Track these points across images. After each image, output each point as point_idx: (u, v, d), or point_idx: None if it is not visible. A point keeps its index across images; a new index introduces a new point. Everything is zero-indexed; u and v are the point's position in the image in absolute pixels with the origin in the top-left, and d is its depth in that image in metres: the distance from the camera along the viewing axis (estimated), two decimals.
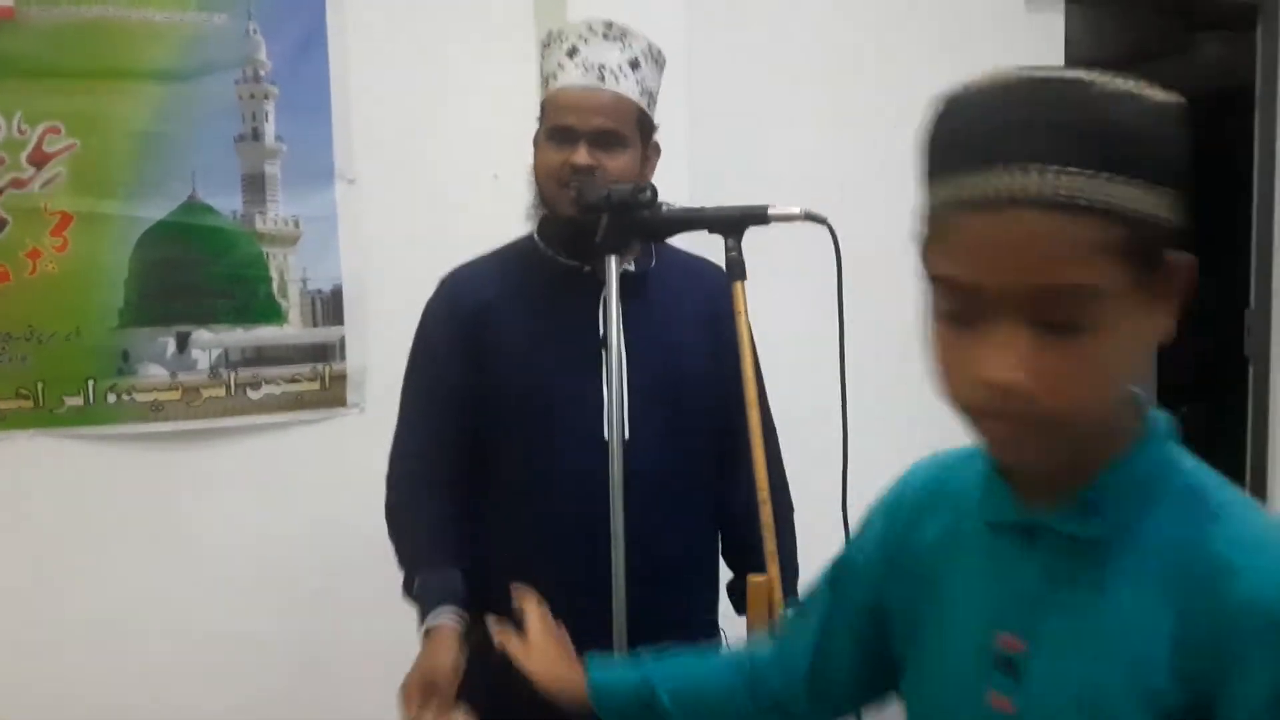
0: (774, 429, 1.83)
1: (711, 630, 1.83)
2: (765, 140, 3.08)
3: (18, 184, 2.36)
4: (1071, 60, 3.53)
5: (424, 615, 1.61)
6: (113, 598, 2.50)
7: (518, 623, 1.33)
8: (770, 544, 1.46)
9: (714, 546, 1.83)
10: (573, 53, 1.63)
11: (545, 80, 1.68)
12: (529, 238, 1.77)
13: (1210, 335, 4.69)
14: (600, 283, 1.67)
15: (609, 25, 1.66)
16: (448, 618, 1.59)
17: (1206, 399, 4.83)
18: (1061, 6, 3.46)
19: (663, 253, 1.76)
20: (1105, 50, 4.39)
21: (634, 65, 1.65)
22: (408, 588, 1.68)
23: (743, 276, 1.49)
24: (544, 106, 1.68)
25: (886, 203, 3.17)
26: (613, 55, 1.64)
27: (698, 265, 1.81)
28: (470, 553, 1.70)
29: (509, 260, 1.78)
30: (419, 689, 1.50)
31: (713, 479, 1.78)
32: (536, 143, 1.69)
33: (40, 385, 2.41)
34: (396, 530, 1.73)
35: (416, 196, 2.69)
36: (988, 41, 3.37)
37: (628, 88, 1.65)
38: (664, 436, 1.67)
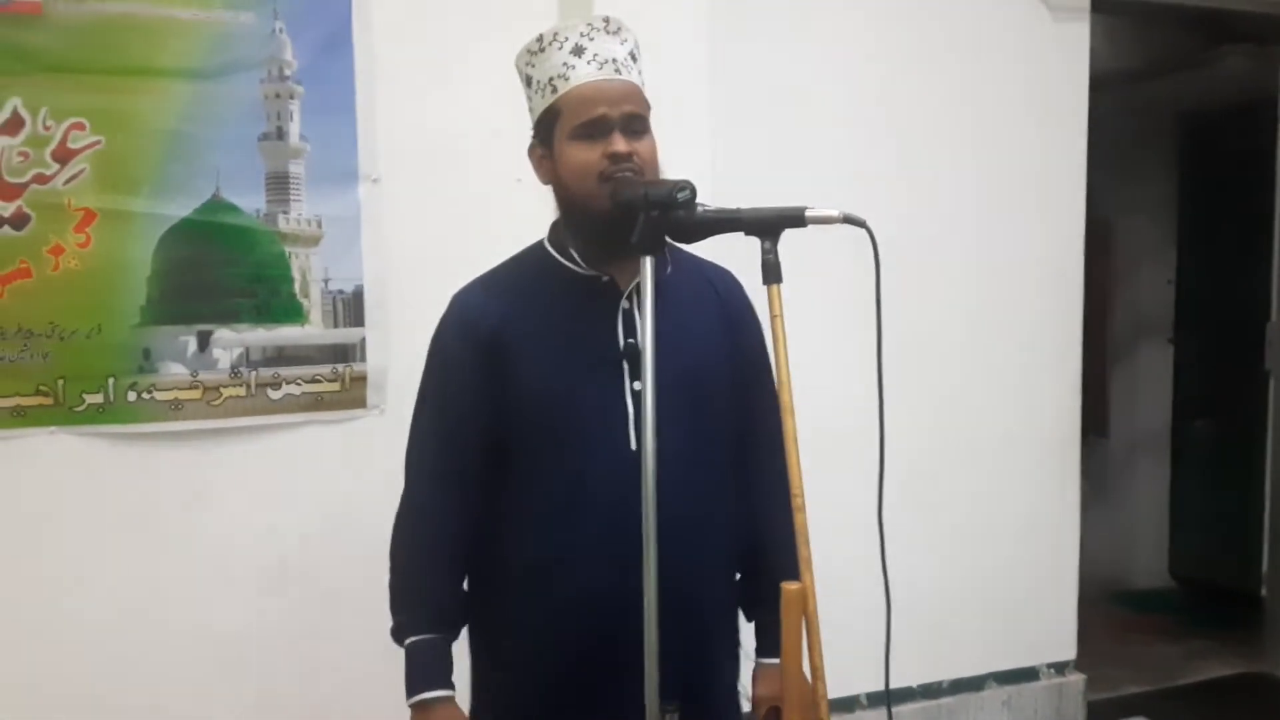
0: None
1: (732, 636, 1.81)
2: (788, 145, 3.07)
3: (41, 180, 2.35)
4: (1095, 70, 3.51)
5: (419, 683, 1.65)
6: (130, 596, 2.49)
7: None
8: (805, 550, 1.43)
9: (734, 553, 1.80)
10: (579, 51, 1.60)
11: (549, 84, 1.62)
12: (539, 246, 1.74)
13: (1231, 348, 4.67)
14: (620, 291, 1.65)
15: (607, 20, 1.63)
16: (447, 692, 1.64)
17: (1226, 413, 4.81)
18: (1087, 16, 3.45)
19: (677, 258, 1.74)
20: (1129, 61, 4.38)
21: (634, 57, 1.65)
22: (398, 636, 1.69)
23: (779, 279, 1.46)
24: (559, 109, 1.61)
25: (910, 207, 3.19)
26: (619, 49, 1.62)
27: (709, 269, 1.79)
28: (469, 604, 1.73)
29: (521, 272, 1.73)
30: None
31: (732, 486, 1.76)
32: (557, 148, 1.63)
33: (61, 382, 2.40)
34: (398, 578, 1.72)
35: (440, 198, 2.67)
36: (1013, 49, 3.37)
37: (636, 79, 1.64)
38: (688, 445, 1.64)
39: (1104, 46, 3.65)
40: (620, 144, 1.58)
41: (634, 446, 1.61)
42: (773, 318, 1.47)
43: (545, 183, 1.68)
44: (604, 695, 1.64)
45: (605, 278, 1.66)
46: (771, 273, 1.47)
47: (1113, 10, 3.65)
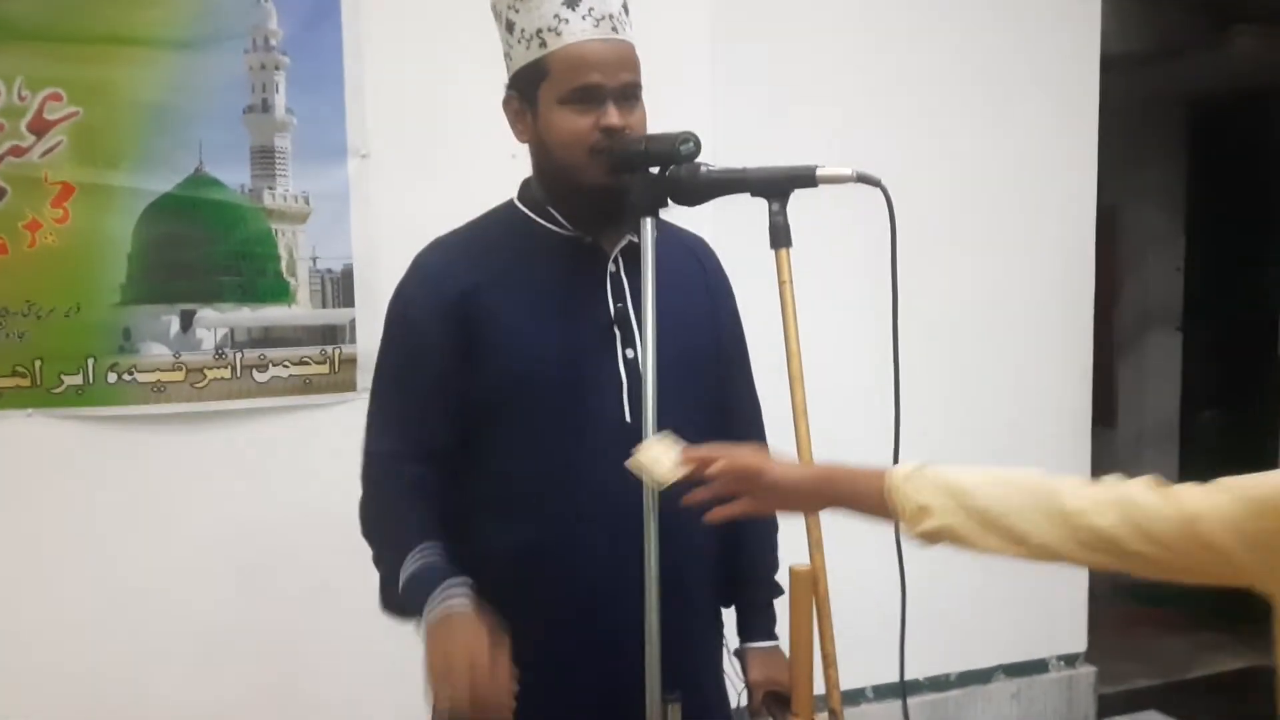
0: (758, 404, 1.75)
1: (717, 622, 1.74)
2: (789, 126, 2.99)
3: (17, 152, 2.28)
4: (1106, 50, 3.43)
5: (426, 597, 1.44)
6: (109, 583, 2.42)
7: None
8: (815, 531, 1.35)
9: (716, 534, 1.70)
10: (572, 3, 1.47)
11: (537, 36, 1.48)
12: (509, 205, 1.63)
13: (1240, 337, 4.59)
14: (605, 254, 1.56)
15: None
16: (461, 597, 1.43)
17: (1235, 403, 4.73)
18: None
19: (660, 225, 1.65)
20: (1140, 42, 4.29)
21: (626, 9, 1.53)
22: (388, 597, 1.52)
23: (788, 243, 1.38)
24: (546, 66, 1.49)
25: (914, 192, 3.10)
26: (614, 2, 1.50)
27: (687, 237, 1.71)
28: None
29: (492, 232, 1.61)
30: (466, 666, 1.34)
31: None
32: (541, 108, 1.51)
33: (38, 363, 2.32)
34: (373, 529, 1.59)
35: (431, 174, 2.59)
36: (1024, 25, 3.29)
37: (631, 35, 1.53)
38: (679, 415, 1.53)
39: (1112, 28, 3.57)
40: (614, 117, 1.48)
41: (627, 419, 1.52)
42: (781, 284, 1.39)
43: (521, 140, 1.58)
44: (595, 681, 1.55)
45: (588, 239, 1.56)
46: (780, 236, 1.39)
47: None
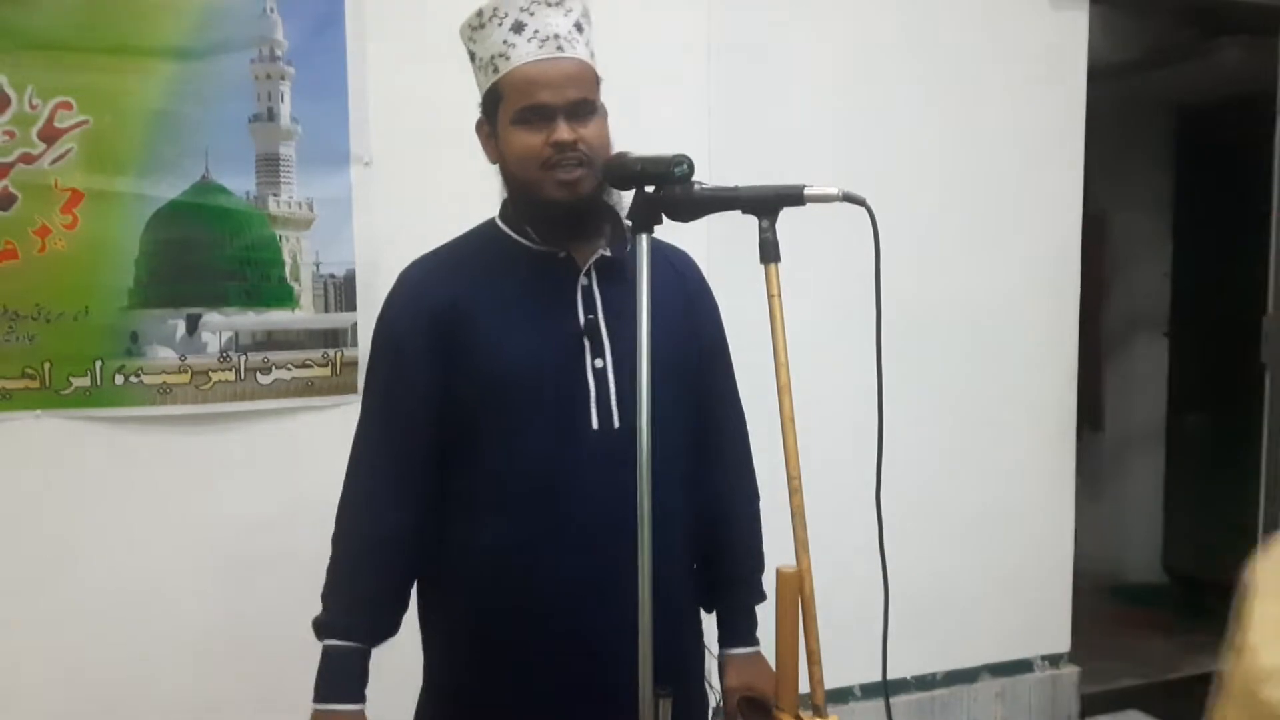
0: (741, 412, 1.81)
1: (697, 625, 1.78)
2: (782, 133, 3.04)
3: (28, 159, 2.32)
4: (1094, 59, 3.49)
5: (328, 692, 1.61)
6: (116, 582, 2.47)
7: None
8: (802, 533, 1.41)
9: (694, 541, 1.75)
10: (519, 28, 1.55)
11: (491, 63, 1.58)
12: (489, 223, 1.71)
13: (1226, 343, 4.65)
14: (578, 267, 1.63)
15: None
16: (356, 706, 1.60)
17: (1221, 408, 4.79)
18: (1086, 5, 3.42)
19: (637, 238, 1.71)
20: (1126, 51, 4.36)
21: (579, 28, 1.59)
22: (318, 632, 1.64)
23: (777, 259, 1.44)
24: (501, 90, 1.57)
25: (903, 198, 3.17)
26: (561, 22, 1.57)
27: (666, 249, 1.75)
28: (408, 600, 1.69)
29: (472, 248, 1.69)
30: None
31: (691, 471, 1.73)
32: (500, 131, 1.60)
33: (47, 365, 2.37)
34: (333, 572, 1.67)
35: (433, 181, 2.64)
36: (1011, 37, 3.35)
37: (582, 52, 1.58)
38: (656, 421, 1.59)
39: (1100, 38, 3.63)
40: (564, 132, 1.54)
41: (595, 426, 1.59)
42: (770, 297, 1.44)
43: (492, 162, 1.65)
44: (570, 681, 1.60)
45: (561, 254, 1.63)
46: (769, 251, 1.44)
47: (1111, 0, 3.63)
